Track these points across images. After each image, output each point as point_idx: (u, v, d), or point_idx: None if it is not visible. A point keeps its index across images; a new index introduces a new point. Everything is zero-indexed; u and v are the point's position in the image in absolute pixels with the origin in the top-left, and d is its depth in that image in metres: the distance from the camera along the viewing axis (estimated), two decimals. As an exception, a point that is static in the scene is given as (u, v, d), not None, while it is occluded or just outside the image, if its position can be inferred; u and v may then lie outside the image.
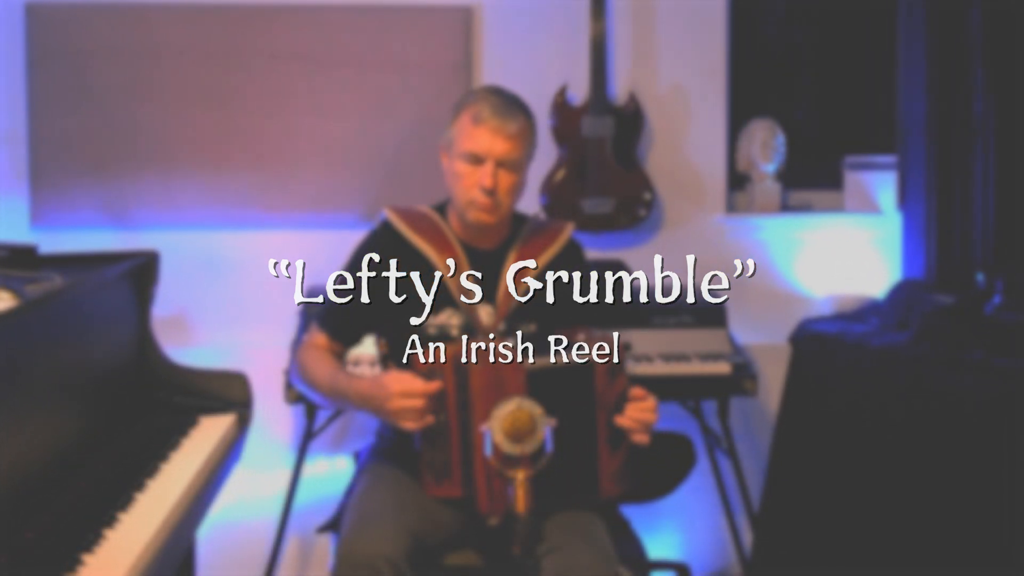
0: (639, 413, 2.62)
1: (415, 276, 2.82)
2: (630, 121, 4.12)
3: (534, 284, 2.84)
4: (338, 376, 2.77)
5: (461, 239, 2.86)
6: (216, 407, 3.10)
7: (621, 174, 4.10)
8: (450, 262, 2.80)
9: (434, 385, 2.56)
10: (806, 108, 4.65)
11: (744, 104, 4.42)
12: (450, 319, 2.81)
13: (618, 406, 2.63)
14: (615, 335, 2.67)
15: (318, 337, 2.92)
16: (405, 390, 2.56)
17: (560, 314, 2.87)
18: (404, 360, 2.74)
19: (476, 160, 2.73)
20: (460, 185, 2.76)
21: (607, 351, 2.62)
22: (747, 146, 4.31)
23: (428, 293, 2.81)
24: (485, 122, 2.71)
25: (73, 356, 2.61)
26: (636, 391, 2.64)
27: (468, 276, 2.80)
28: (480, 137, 2.72)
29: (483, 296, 2.81)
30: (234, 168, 4.13)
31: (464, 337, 2.74)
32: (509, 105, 2.75)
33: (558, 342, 2.69)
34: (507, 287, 2.81)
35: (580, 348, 2.62)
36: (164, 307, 3.51)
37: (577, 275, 2.94)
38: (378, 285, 2.84)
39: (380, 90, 4.16)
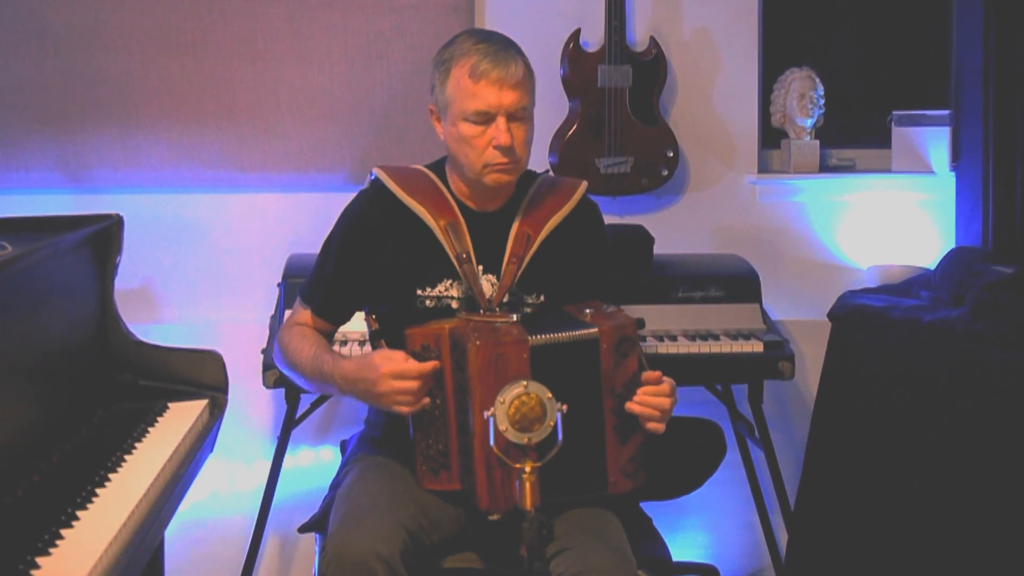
0: (651, 398, 2.60)
1: (410, 243, 2.80)
2: (651, 70, 4.09)
3: (542, 250, 2.82)
4: (322, 357, 2.75)
5: (461, 201, 2.84)
6: (187, 391, 3.10)
7: (641, 130, 4.07)
8: (447, 226, 2.78)
9: (430, 365, 2.56)
10: (848, 56, 4.63)
11: (779, 51, 4.39)
12: (448, 290, 2.79)
13: (628, 391, 2.61)
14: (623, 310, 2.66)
15: (302, 315, 2.91)
16: (397, 371, 2.55)
17: (571, 284, 2.85)
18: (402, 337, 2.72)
19: (485, 119, 2.70)
20: (470, 149, 2.73)
21: (615, 325, 2.60)
22: (782, 99, 4.29)
23: (426, 262, 2.79)
24: (486, 75, 2.68)
25: (25, 334, 2.59)
26: (649, 374, 2.62)
27: (468, 241, 2.78)
28: (485, 93, 2.69)
29: (487, 263, 2.79)
30: (206, 123, 4.11)
31: (461, 312, 2.73)
32: (505, 49, 2.72)
33: (563, 316, 2.67)
34: (510, 254, 2.80)
35: (585, 323, 2.61)
36: (128, 279, 3.50)
37: (592, 240, 2.92)
38: (368, 255, 2.82)
39: (370, 35, 4.13)
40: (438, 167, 2.91)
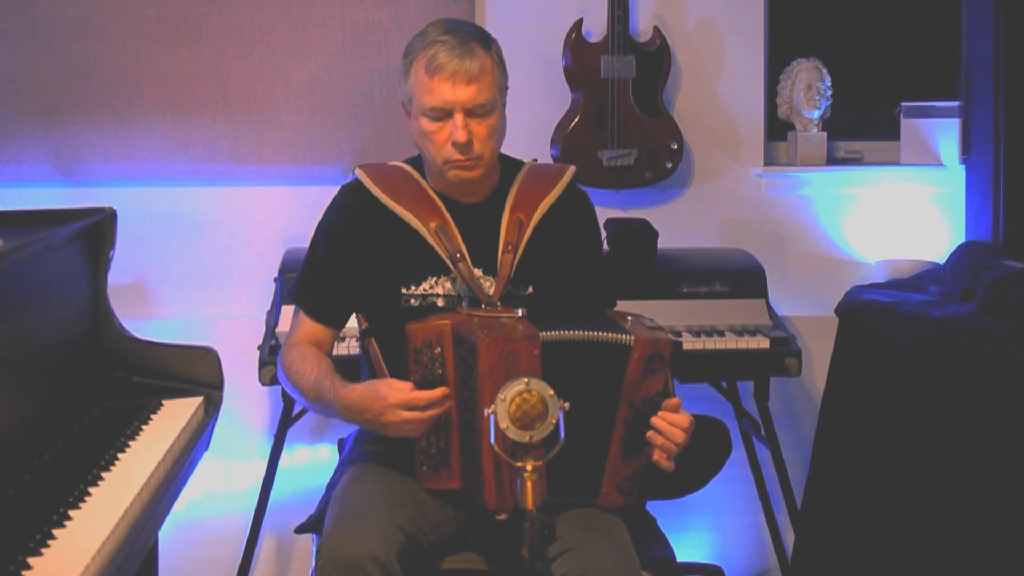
0: (666, 424, 2.57)
1: (393, 241, 2.80)
2: (655, 61, 4.08)
3: (532, 239, 2.81)
4: (322, 384, 2.73)
5: (444, 195, 2.83)
6: (181, 388, 3.09)
7: (645, 122, 4.06)
8: (437, 229, 2.77)
9: (439, 392, 2.54)
10: (856, 47, 4.62)
11: (785, 42, 4.39)
12: (434, 288, 2.78)
13: (647, 408, 2.59)
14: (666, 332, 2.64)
15: (305, 326, 2.90)
16: (405, 401, 2.54)
17: (562, 275, 2.84)
18: (392, 335, 2.71)
19: (442, 114, 2.70)
20: (431, 145, 2.73)
21: (652, 339, 2.59)
22: (789, 90, 4.28)
23: (410, 260, 2.79)
24: (441, 69, 2.66)
25: (17, 330, 2.58)
26: (670, 401, 2.60)
27: (460, 240, 2.77)
28: (439, 88, 2.68)
29: (476, 257, 2.78)
30: (201, 114, 4.10)
31: (461, 307, 2.72)
32: (464, 41, 2.70)
33: (584, 315, 2.66)
34: (504, 243, 2.79)
35: (622, 327, 2.59)
36: (121, 273, 3.49)
37: (582, 228, 2.92)
38: (353, 252, 2.82)
39: (368, 24, 4.12)
40: (417, 162, 2.90)
